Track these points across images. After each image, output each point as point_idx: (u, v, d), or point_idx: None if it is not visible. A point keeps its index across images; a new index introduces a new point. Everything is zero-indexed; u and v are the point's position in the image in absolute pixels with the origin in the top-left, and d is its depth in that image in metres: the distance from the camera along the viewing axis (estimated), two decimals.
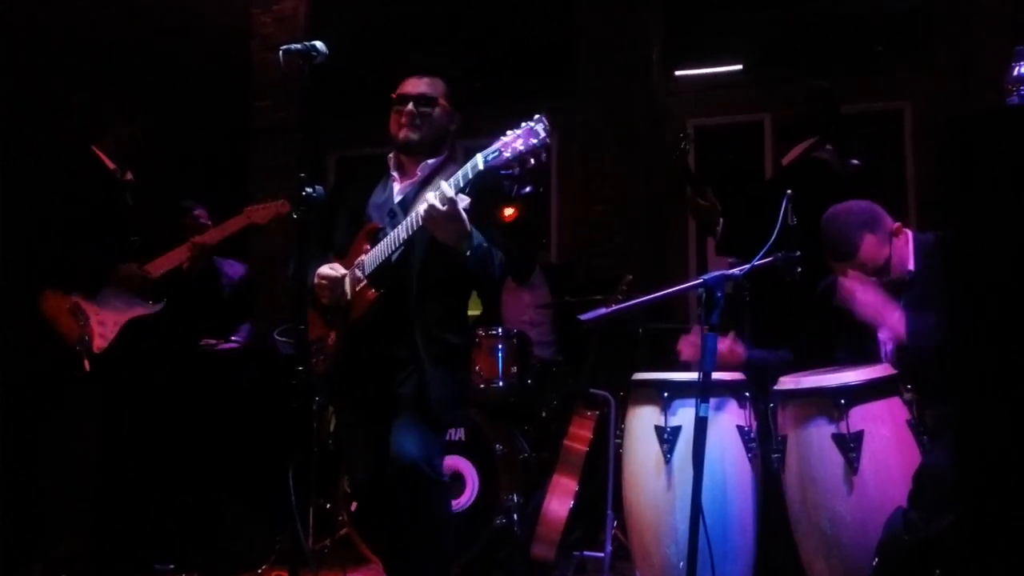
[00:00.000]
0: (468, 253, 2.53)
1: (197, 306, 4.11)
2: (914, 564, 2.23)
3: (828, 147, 3.95)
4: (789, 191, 2.59)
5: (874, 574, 2.37)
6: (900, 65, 5.55)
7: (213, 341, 4.33)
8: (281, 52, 2.50)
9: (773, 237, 2.49)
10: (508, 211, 6.51)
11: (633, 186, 5.68)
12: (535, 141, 2.42)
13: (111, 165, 3.81)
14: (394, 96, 2.79)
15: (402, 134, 2.75)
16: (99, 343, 3.55)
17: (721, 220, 3.77)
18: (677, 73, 6.00)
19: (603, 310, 2.93)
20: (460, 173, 2.47)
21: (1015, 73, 2.12)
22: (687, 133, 3.58)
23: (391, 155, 2.86)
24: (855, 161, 4.13)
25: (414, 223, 2.52)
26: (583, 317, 2.70)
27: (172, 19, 5.09)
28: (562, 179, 6.02)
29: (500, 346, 4.13)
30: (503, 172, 2.46)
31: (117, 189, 3.82)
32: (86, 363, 3.52)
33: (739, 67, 5.97)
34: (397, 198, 2.79)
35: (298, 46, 2.50)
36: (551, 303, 5.00)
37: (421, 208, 2.47)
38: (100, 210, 3.71)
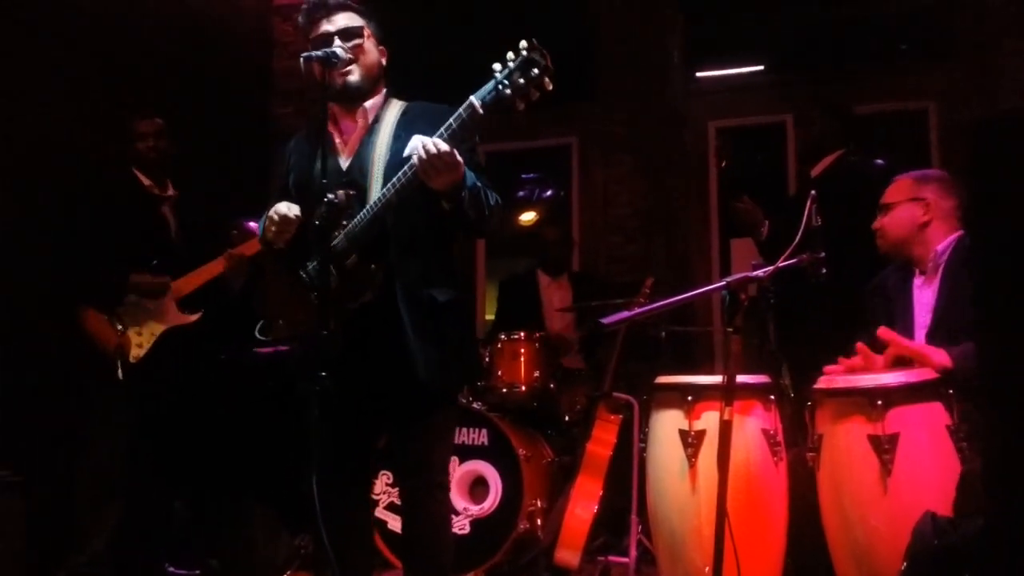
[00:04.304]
0: (464, 194, 2.34)
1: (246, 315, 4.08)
2: (943, 569, 2.19)
3: (853, 157, 3.98)
4: (813, 192, 2.57)
5: None
6: (924, 64, 5.50)
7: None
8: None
9: (797, 238, 2.47)
10: (529, 216, 6.53)
11: (654, 189, 5.66)
12: (536, 71, 2.24)
13: (146, 181, 3.82)
14: (313, 39, 2.56)
15: (340, 79, 2.51)
16: (136, 352, 3.58)
17: (767, 222, 3.78)
18: (698, 75, 5.98)
19: (625, 313, 2.91)
20: (453, 120, 2.30)
21: None
22: (721, 148, 3.57)
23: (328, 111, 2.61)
24: (880, 161, 4.12)
25: (403, 178, 2.34)
26: (605, 321, 2.68)
27: (194, 28, 5.13)
28: (582, 183, 6.01)
29: (522, 350, 4.13)
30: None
31: (152, 206, 3.81)
32: (119, 370, 3.55)
33: (760, 68, 5.94)
34: (347, 161, 2.57)
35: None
36: (573, 307, 4.99)
37: (415, 158, 2.27)
38: (136, 233, 3.71)
